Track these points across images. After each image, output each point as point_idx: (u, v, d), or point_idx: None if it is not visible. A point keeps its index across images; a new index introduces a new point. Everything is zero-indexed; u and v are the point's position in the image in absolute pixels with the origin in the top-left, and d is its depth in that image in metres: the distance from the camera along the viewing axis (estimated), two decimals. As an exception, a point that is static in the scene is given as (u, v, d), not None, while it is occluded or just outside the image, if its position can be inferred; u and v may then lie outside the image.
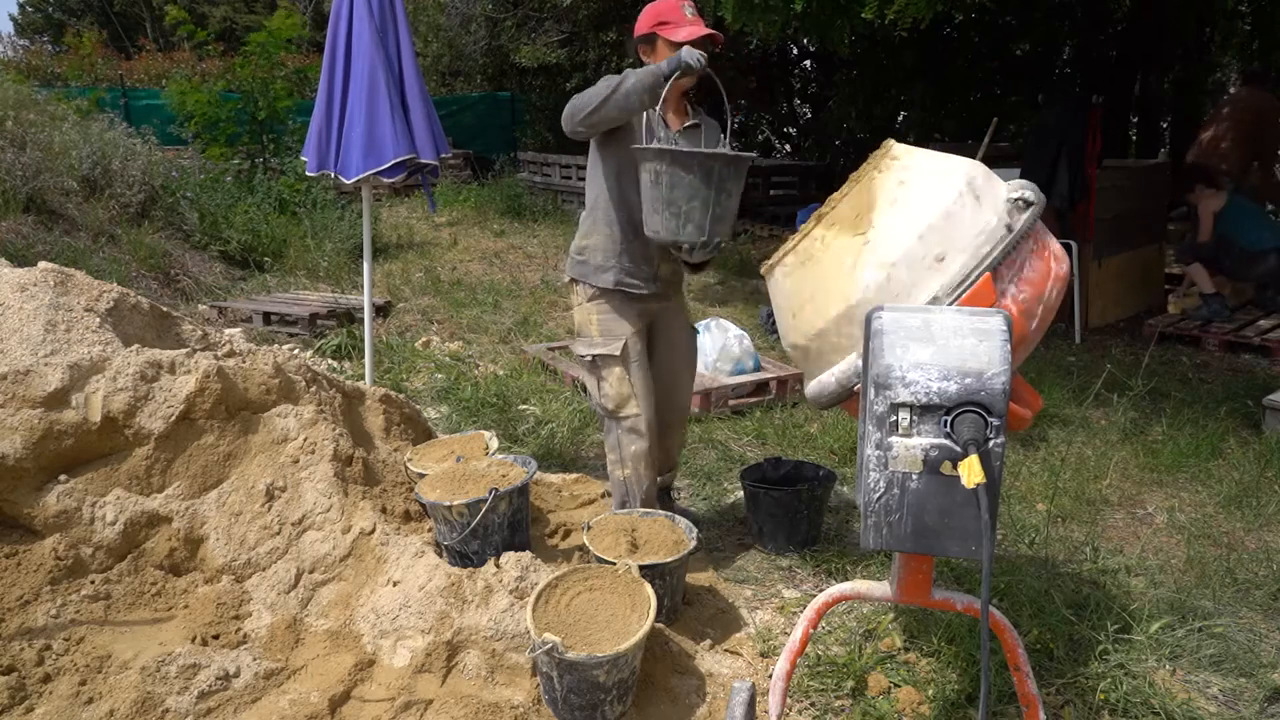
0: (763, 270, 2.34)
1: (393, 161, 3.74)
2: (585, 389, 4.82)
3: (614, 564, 2.50)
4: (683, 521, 2.87)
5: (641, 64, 3.00)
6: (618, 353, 2.98)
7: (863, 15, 5.13)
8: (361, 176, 3.78)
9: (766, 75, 14.63)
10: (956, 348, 1.69)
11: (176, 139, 10.82)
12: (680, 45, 2.85)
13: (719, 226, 2.65)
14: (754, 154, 2.97)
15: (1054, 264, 2.08)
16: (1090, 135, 6.01)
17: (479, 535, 2.72)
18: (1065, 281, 2.12)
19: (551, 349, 5.64)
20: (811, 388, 2.18)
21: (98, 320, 2.80)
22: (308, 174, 3.92)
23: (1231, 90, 12.64)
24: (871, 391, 1.73)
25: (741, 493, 3.50)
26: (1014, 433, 4.10)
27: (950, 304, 1.94)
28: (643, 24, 2.97)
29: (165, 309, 3.19)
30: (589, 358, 3.03)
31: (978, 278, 1.96)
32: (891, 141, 2.26)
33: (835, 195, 2.19)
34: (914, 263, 1.97)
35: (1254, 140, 7.31)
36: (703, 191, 2.57)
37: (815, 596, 2.07)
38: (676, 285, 3.21)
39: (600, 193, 3.02)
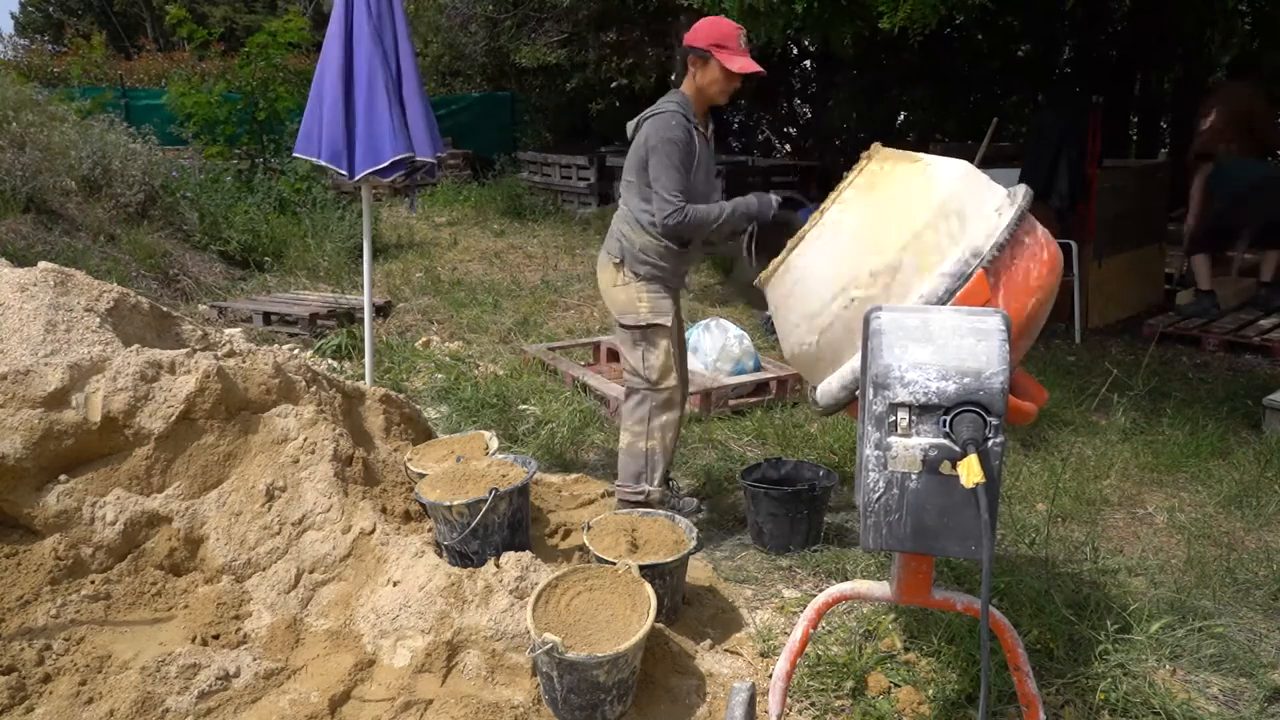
0: (757, 283, 2.36)
1: (391, 160, 3.74)
2: (587, 387, 4.86)
3: (614, 564, 2.50)
4: (683, 521, 2.87)
5: (686, 71, 3.17)
6: (669, 323, 3.20)
7: (880, 25, 5.16)
8: (361, 176, 3.78)
9: (767, 75, 14.61)
10: (955, 347, 1.69)
11: (176, 139, 10.80)
12: (736, 74, 3.08)
13: None
14: None
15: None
16: (1090, 135, 6.01)
17: (479, 535, 2.72)
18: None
19: (551, 349, 5.64)
20: (815, 394, 2.23)
21: (98, 320, 2.80)
22: (320, 162, 3.84)
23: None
24: (870, 391, 1.73)
25: (741, 493, 3.50)
26: (1014, 433, 4.11)
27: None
28: (700, 38, 3.09)
29: (165, 309, 3.19)
30: (643, 325, 3.18)
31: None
32: (876, 146, 2.29)
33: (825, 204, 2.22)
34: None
35: (1250, 132, 7.20)
36: None
37: (815, 596, 2.07)
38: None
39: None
